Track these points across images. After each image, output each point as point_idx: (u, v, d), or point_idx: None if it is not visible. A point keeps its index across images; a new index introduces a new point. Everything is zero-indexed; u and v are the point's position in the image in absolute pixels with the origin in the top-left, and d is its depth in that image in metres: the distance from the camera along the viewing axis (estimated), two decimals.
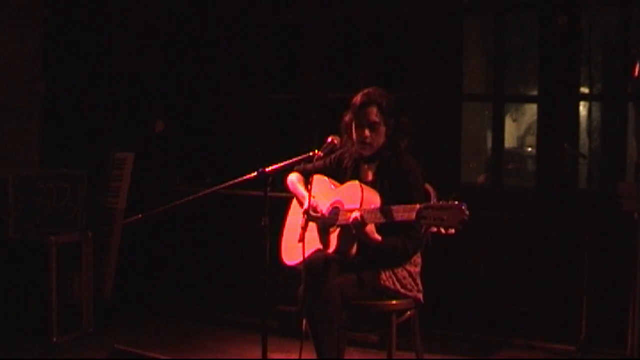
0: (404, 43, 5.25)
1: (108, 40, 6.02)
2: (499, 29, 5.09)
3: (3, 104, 5.90)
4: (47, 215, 5.04)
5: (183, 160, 6.04)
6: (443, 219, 3.25)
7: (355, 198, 3.66)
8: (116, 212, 5.66)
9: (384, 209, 3.53)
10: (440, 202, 3.32)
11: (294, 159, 3.71)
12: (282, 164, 3.59)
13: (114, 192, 5.71)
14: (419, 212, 3.35)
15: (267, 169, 3.46)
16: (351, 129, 3.84)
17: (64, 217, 5.12)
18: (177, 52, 6.00)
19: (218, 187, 3.61)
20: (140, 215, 3.61)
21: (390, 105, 3.80)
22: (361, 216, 3.54)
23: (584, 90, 4.88)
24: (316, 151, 3.71)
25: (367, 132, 3.78)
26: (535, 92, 5.25)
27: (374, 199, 3.67)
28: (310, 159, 3.75)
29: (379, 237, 3.61)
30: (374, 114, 3.76)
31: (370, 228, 3.58)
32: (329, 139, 3.80)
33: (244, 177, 3.51)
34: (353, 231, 3.58)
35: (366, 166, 3.90)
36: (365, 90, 3.84)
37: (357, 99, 3.82)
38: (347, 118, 3.88)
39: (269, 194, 3.41)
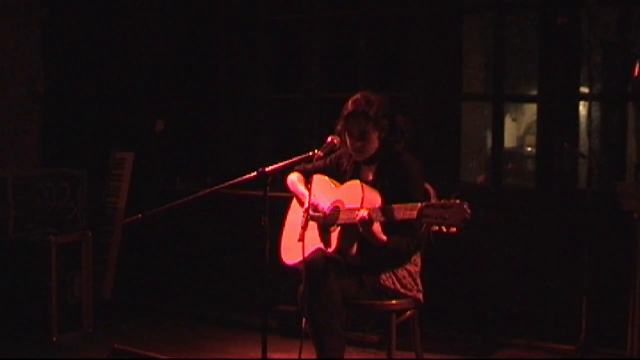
0: (404, 43, 5.25)
1: (108, 40, 6.02)
2: (499, 29, 5.09)
3: (3, 104, 5.90)
4: (47, 215, 5.03)
5: (183, 160, 6.04)
6: (445, 218, 3.26)
7: (356, 198, 3.66)
8: (116, 212, 5.66)
9: (386, 208, 3.54)
10: (443, 201, 3.32)
11: (294, 159, 3.71)
12: (282, 164, 3.59)
13: (114, 192, 5.71)
14: (421, 211, 3.36)
15: (267, 169, 3.46)
16: (345, 137, 3.85)
17: (64, 217, 5.12)
18: (177, 52, 6.00)
19: (218, 187, 3.61)
20: (140, 215, 3.61)
21: (381, 110, 3.78)
22: (369, 215, 3.54)
23: (584, 90, 4.88)
24: (316, 151, 3.71)
25: (358, 143, 3.79)
26: (535, 92, 5.25)
27: (375, 199, 3.67)
28: (310, 159, 3.75)
29: (384, 237, 3.62)
30: (363, 124, 3.76)
31: (377, 228, 3.59)
32: (329, 139, 3.81)
33: (244, 177, 3.51)
34: (360, 230, 3.58)
35: (366, 167, 3.90)
36: (355, 97, 3.83)
37: (347, 108, 3.81)
38: (339, 127, 3.88)
39: (269, 194, 3.41)
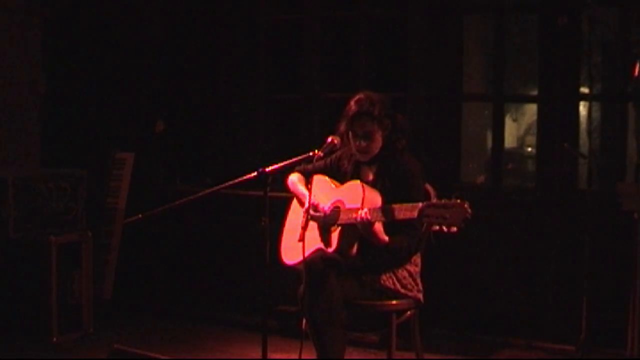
0: (404, 43, 5.25)
1: (108, 40, 6.02)
2: (499, 29, 5.09)
3: (3, 104, 5.90)
4: (47, 215, 5.03)
5: (183, 160, 6.04)
6: (446, 217, 3.26)
7: (356, 198, 3.66)
8: (116, 212, 5.66)
9: (386, 208, 3.54)
10: (443, 201, 3.32)
11: (294, 159, 3.71)
12: (282, 164, 3.59)
13: (114, 192, 5.71)
14: (421, 210, 3.36)
15: (267, 169, 3.46)
16: (348, 138, 3.85)
17: (64, 217, 5.12)
18: (177, 52, 6.00)
19: (218, 187, 3.61)
20: (140, 215, 3.61)
21: (384, 109, 3.79)
22: (369, 214, 3.54)
23: (584, 90, 4.88)
24: (316, 151, 3.71)
25: (363, 143, 3.79)
26: (535, 92, 5.25)
27: (375, 199, 3.67)
28: (310, 159, 3.75)
29: (386, 237, 3.61)
30: (367, 124, 3.76)
31: (379, 227, 3.58)
32: (329, 139, 3.81)
33: (244, 177, 3.51)
34: (360, 230, 3.58)
35: (366, 167, 3.90)
36: (357, 97, 3.82)
37: (350, 108, 3.80)
38: (342, 128, 3.87)
39: (269, 194, 3.41)
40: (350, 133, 3.82)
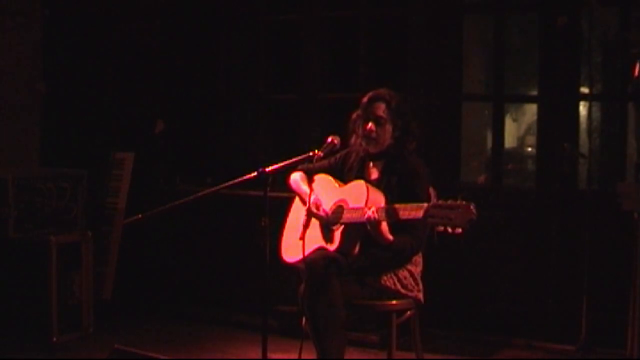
0: (404, 43, 5.25)
1: (108, 40, 6.02)
2: (499, 29, 5.09)
3: (3, 104, 5.90)
4: (47, 215, 5.03)
5: (183, 160, 6.04)
6: (451, 218, 3.27)
7: (360, 197, 3.66)
8: (116, 212, 5.66)
9: (389, 208, 3.54)
10: (449, 202, 3.33)
11: (294, 159, 3.71)
12: (282, 164, 3.60)
13: (114, 192, 5.71)
14: (427, 210, 3.36)
15: (267, 169, 3.47)
16: (358, 126, 3.86)
17: (64, 217, 5.12)
18: (177, 52, 6.00)
19: (218, 187, 3.62)
20: (140, 215, 3.61)
21: (399, 106, 3.84)
22: (376, 213, 3.54)
23: (584, 90, 4.88)
24: (316, 151, 3.72)
25: (371, 125, 3.80)
26: (535, 92, 5.25)
27: (379, 199, 3.68)
28: (310, 159, 3.76)
29: (391, 237, 3.62)
30: (381, 109, 3.81)
31: (385, 227, 3.59)
32: (329, 139, 3.81)
33: (244, 177, 3.51)
34: (368, 228, 3.58)
35: (372, 164, 3.91)
36: (377, 90, 3.89)
37: (368, 95, 3.88)
38: (355, 115, 3.91)
39: (269, 194, 3.41)
40: (362, 118, 3.85)
